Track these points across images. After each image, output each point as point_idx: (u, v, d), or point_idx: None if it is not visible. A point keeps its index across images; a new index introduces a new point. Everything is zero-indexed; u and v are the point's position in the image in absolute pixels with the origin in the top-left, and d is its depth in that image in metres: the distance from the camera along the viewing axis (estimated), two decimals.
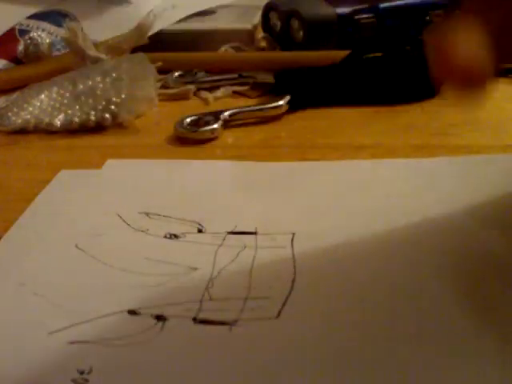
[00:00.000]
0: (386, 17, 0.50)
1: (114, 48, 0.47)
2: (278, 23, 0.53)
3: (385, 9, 0.50)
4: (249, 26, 0.55)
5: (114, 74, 0.43)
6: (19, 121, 0.41)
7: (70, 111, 0.42)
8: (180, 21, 0.56)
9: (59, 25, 0.54)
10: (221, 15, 0.60)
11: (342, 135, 0.39)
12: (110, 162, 0.35)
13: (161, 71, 0.46)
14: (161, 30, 0.54)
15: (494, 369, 0.20)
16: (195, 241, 0.28)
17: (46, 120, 0.41)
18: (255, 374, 0.21)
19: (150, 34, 0.49)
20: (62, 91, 0.43)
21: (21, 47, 0.51)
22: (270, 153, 0.37)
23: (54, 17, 0.56)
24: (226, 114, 0.40)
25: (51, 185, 0.33)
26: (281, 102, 0.42)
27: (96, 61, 0.45)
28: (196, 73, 0.48)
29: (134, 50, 0.47)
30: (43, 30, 0.54)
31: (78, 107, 0.42)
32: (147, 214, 0.30)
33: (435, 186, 0.31)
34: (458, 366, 0.21)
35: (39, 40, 0.51)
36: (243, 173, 0.34)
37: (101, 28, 0.54)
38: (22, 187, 0.34)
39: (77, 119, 0.41)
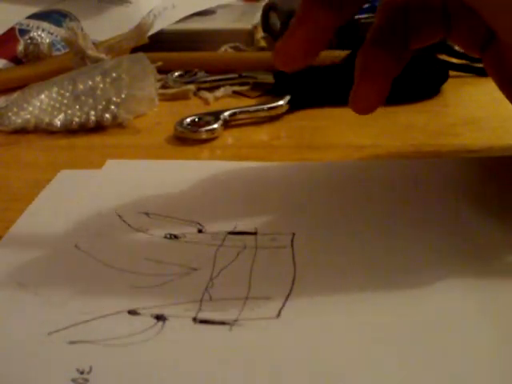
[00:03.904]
0: None
1: (114, 48, 0.47)
2: (278, 23, 0.53)
3: None
4: (249, 26, 0.55)
5: (114, 74, 0.43)
6: (19, 121, 0.41)
7: (69, 111, 0.42)
8: (180, 21, 0.56)
9: (59, 25, 0.54)
10: (221, 15, 0.60)
11: (342, 135, 0.39)
12: (110, 162, 0.35)
13: (161, 71, 0.46)
14: (161, 30, 0.54)
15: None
16: (195, 241, 0.28)
17: (46, 120, 0.41)
18: (255, 374, 0.21)
19: (149, 33, 0.49)
20: (62, 91, 0.43)
21: (21, 47, 0.51)
22: (270, 153, 0.37)
23: (53, 17, 0.56)
24: (226, 114, 0.40)
25: (51, 185, 0.33)
26: (281, 102, 0.42)
27: (96, 61, 0.45)
28: (196, 73, 0.48)
29: (134, 50, 0.47)
30: (43, 30, 0.54)
31: (78, 107, 0.42)
32: (147, 214, 0.30)
33: (435, 186, 0.31)
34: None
35: (39, 40, 0.51)
36: (243, 173, 0.34)
37: (101, 28, 0.54)
38: (22, 187, 0.34)
39: (77, 119, 0.41)
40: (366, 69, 0.28)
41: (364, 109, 0.29)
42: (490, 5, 0.24)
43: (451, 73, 0.44)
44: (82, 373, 0.21)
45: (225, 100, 0.46)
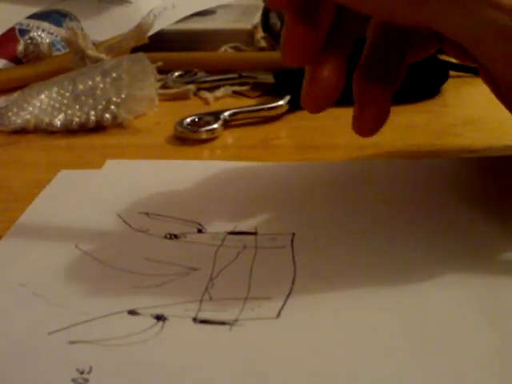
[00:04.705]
0: None
1: (114, 48, 0.47)
2: (278, 23, 0.53)
3: None
4: (249, 26, 0.55)
5: (114, 74, 0.43)
6: (19, 121, 0.41)
7: (69, 111, 0.42)
8: (180, 21, 0.56)
9: (59, 25, 0.54)
10: (221, 15, 0.60)
11: (342, 135, 0.39)
12: (109, 162, 0.35)
13: (161, 71, 0.46)
14: (161, 30, 0.54)
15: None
16: (195, 241, 0.28)
17: (46, 120, 0.41)
18: (255, 374, 0.21)
19: (149, 33, 0.49)
20: (62, 91, 0.43)
21: (21, 47, 0.51)
22: (270, 153, 0.37)
23: (53, 17, 0.56)
24: (226, 114, 0.40)
25: (51, 185, 0.33)
26: (281, 102, 0.42)
27: (96, 61, 0.45)
28: (196, 73, 0.48)
29: (134, 50, 0.47)
30: (43, 30, 0.54)
31: (78, 107, 0.42)
32: (147, 213, 0.30)
33: (435, 186, 0.31)
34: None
35: (39, 40, 0.51)
36: (243, 173, 0.34)
37: (101, 28, 0.54)
38: (21, 187, 0.34)
39: (77, 119, 0.41)
40: (364, 97, 0.28)
41: (368, 132, 0.29)
42: (461, 37, 0.25)
43: (451, 73, 0.44)
44: (82, 373, 0.21)
45: (225, 100, 0.46)
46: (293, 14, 0.26)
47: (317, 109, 0.28)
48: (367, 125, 0.28)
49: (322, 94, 0.27)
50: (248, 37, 0.55)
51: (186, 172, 0.34)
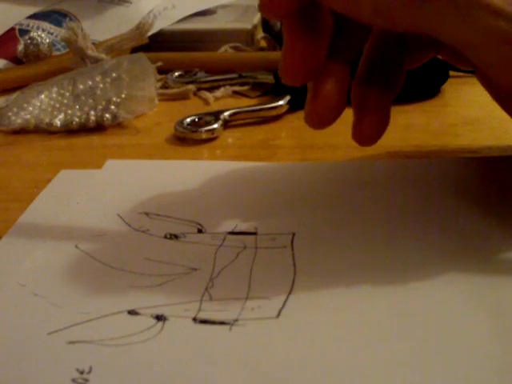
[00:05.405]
0: None
1: (114, 48, 0.47)
2: (278, 23, 0.53)
3: None
4: (249, 26, 0.55)
5: (114, 74, 0.43)
6: (19, 121, 0.41)
7: (69, 111, 0.42)
8: (180, 21, 0.56)
9: (59, 25, 0.55)
10: (221, 15, 0.60)
11: (341, 135, 0.39)
12: (109, 162, 0.35)
13: (161, 71, 0.46)
14: (161, 30, 0.54)
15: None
16: (195, 241, 0.28)
17: (46, 120, 0.41)
18: (255, 374, 0.21)
19: (149, 33, 0.49)
20: (62, 91, 0.43)
21: (21, 47, 0.52)
22: (270, 153, 0.37)
23: (54, 17, 0.56)
24: (226, 114, 0.40)
25: (51, 185, 0.33)
26: (281, 102, 0.42)
27: (96, 61, 0.45)
28: (196, 73, 0.48)
29: (134, 50, 0.47)
30: (43, 30, 0.54)
31: (78, 107, 0.42)
32: (147, 213, 0.30)
33: (435, 186, 0.31)
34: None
35: (39, 40, 0.51)
36: (243, 173, 0.34)
37: (101, 28, 0.54)
38: (21, 187, 0.34)
39: (77, 119, 0.41)
40: (363, 106, 0.28)
41: (368, 141, 0.28)
42: (459, 42, 0.24)
43: (451, 73, 0.44)
44: (81, 373, 0.21)
45: (225, 100, 0.46)
46: (291, 29, 0.26)
47: (323, 126, 0.28)
48: (367, 134, 0.28)
49: (326, 112, 0.27)
50: (248, 37, 0.55)
51: (186, 172, 0.34)
